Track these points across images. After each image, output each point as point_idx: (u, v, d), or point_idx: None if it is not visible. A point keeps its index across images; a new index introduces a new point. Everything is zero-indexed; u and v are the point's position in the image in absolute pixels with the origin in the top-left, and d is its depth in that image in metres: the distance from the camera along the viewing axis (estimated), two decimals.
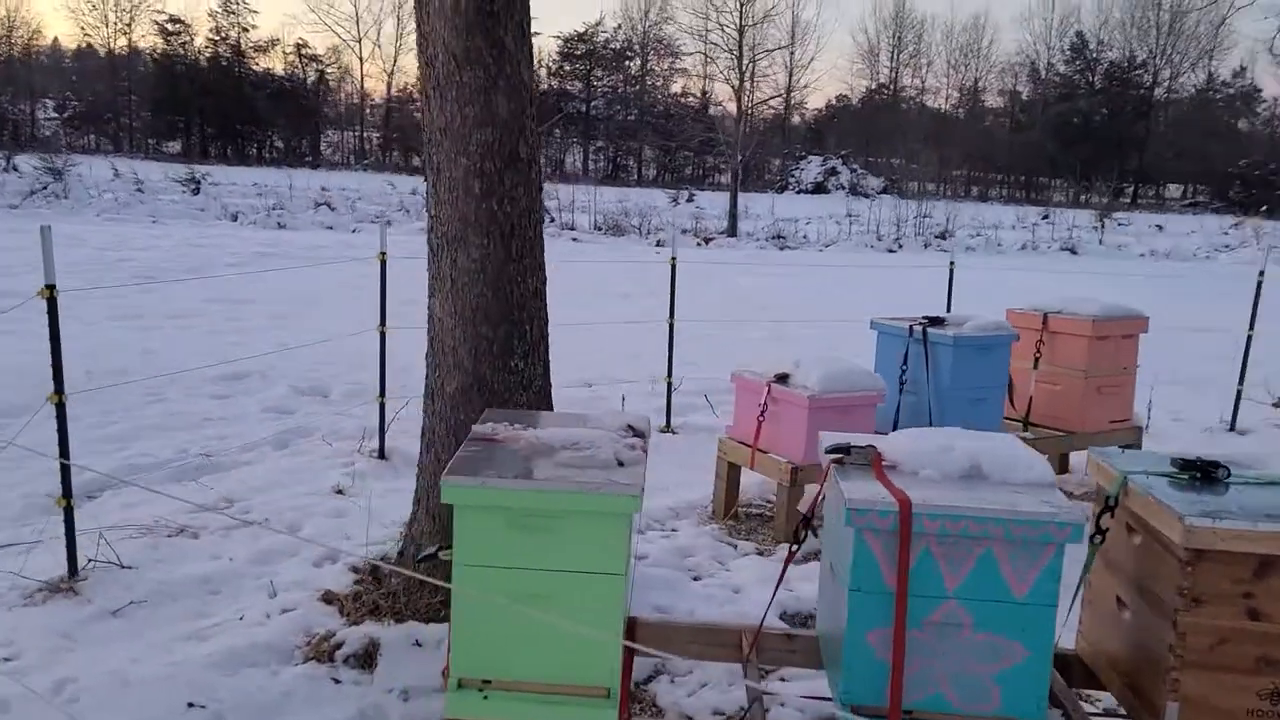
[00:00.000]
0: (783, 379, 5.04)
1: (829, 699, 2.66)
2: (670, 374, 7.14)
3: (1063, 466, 6.22)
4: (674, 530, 5.12)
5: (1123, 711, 2.60)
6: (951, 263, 7.82)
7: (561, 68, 62.31)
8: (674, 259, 7.10)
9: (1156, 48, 61.11)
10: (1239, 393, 7.46)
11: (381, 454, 5.89)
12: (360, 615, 3.64)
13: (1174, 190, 63.12)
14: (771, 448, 5.05)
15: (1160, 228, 35.09)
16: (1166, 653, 2.34)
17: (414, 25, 3.76)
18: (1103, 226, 32.63)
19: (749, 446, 5.13)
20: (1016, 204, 49.90)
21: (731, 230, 26.32)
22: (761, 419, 5.09)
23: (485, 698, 2.43)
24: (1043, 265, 20.22)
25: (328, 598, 3.83)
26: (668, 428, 6.92)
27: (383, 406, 5.94)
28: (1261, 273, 7.46)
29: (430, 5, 3.55)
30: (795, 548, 2.71)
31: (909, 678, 2.35)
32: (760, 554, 4.82)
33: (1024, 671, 2.37)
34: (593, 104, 62.93)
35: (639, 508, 2.35)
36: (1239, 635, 2.30)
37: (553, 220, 23.92)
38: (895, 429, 4.13)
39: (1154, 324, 6.21)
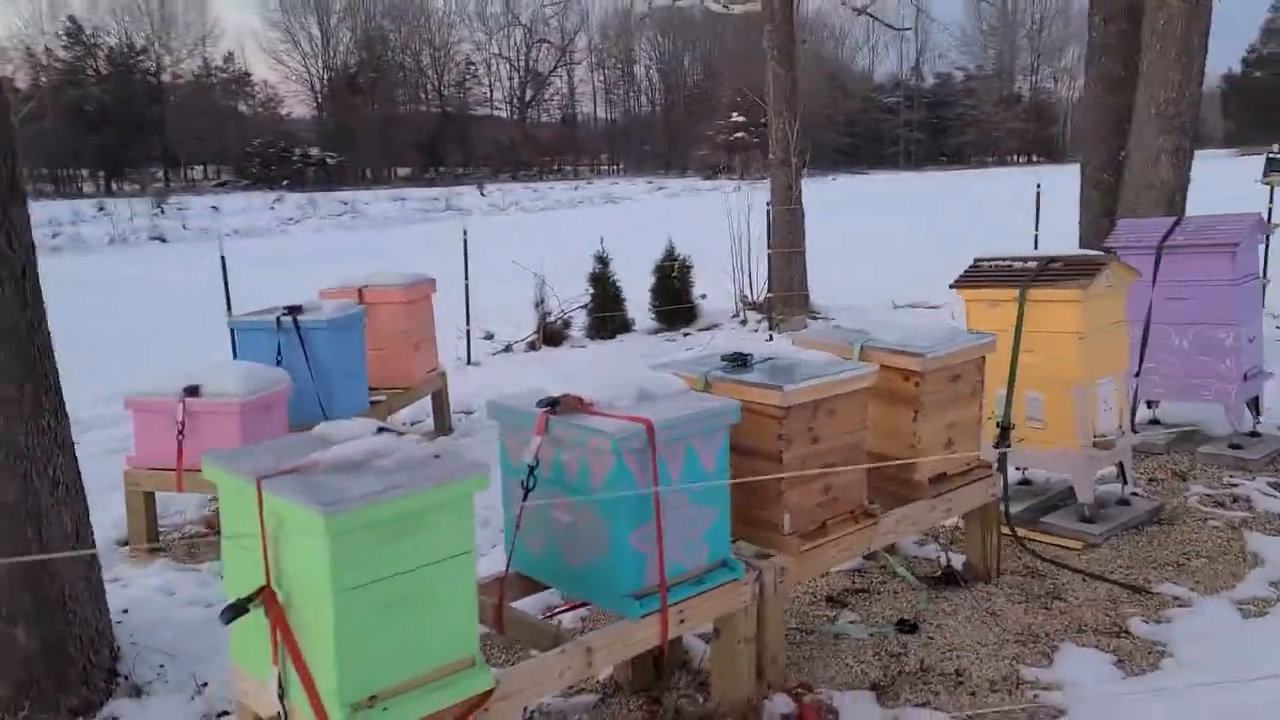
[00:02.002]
0: (194, 391, 4.90)
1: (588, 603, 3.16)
2: None
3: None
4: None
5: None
6: None
7: None
8: None
9: (153, 34, 61.83)
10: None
11: None
12: None
13: (198, 171, 65.30)
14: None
15: (216, 208, 36.47)
16: (776, 483, 3.40)
17: None
18: (162, 212, 32.85)
19: (172, 470, 4.89)
20: (60, 199, 46.48)
21: None
22: (182, 437, 4.88)
23: (384, 709, 2.44)
24: (157, 256, 19.96)
25: None
26: None
27: None
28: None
29: None
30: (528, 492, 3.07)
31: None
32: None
33: (718, 528, 3.21)
34: None
35: (486, 485, 2.58)
36: (810, 456, 3.47)
37: None
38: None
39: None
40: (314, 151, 61.47)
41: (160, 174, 59.12)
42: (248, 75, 68.04)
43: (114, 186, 55.00)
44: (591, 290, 10.16)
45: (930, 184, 43.39)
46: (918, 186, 41.35)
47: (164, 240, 25.62)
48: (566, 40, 75.10)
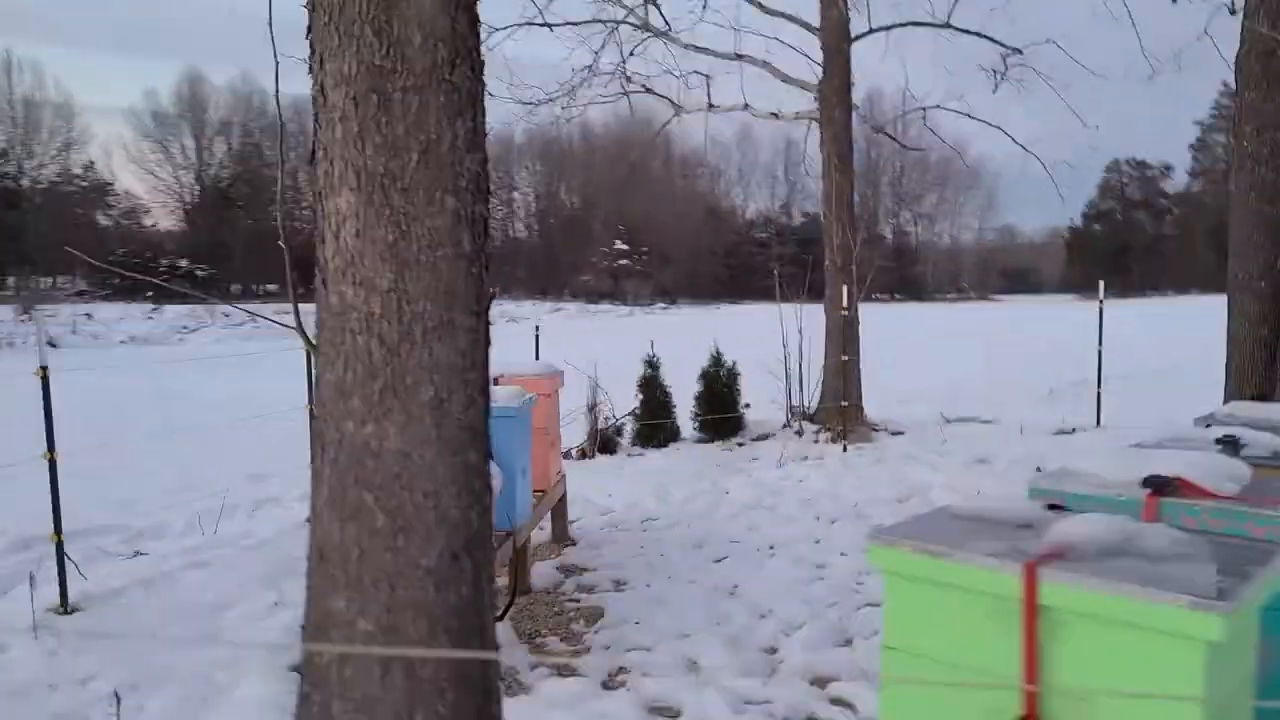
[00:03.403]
0: None
1: None
2: None
3: None
4: None
5: None
6: None
7: None
8: None
9: (15, 137, 58.92)
10: None
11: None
12: None
13: (51, 280, 61.55)
14: None
15: (90, 315, 34.20)
16: None
17: None
18: (30, 318, 30.51)
19: None
20: None
21: None
22: None
23: None
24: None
25: None
26: None
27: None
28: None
29: None
30: None
31: None
32: None
33: None
34: None
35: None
36: None
37: None
38: None
39: None
40: (183, 263, 58.96)
41: (15, 281, 55.46)
42: (109, 185, 65.38)
43: None
44: (641, 396, 9.51)
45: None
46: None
47: (55, 345, 23.52)
48: None
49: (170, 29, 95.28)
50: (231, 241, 61.28)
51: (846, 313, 9.60)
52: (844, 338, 9.64)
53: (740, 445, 9.52)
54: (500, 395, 5.27)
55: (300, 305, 2.92)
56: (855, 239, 10.10)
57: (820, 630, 4.51)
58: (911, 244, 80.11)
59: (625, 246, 60.40)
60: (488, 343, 2.50)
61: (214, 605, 5.10)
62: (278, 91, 3.24)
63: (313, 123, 2.38)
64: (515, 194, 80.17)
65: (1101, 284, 10.54)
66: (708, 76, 11.23)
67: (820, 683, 3.98)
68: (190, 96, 66.51)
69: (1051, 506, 2.11)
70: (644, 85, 11.96)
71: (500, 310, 46.74)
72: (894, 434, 9.77)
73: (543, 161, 78.23)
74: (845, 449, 9.00)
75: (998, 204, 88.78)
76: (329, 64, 2.31)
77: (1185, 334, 23.26)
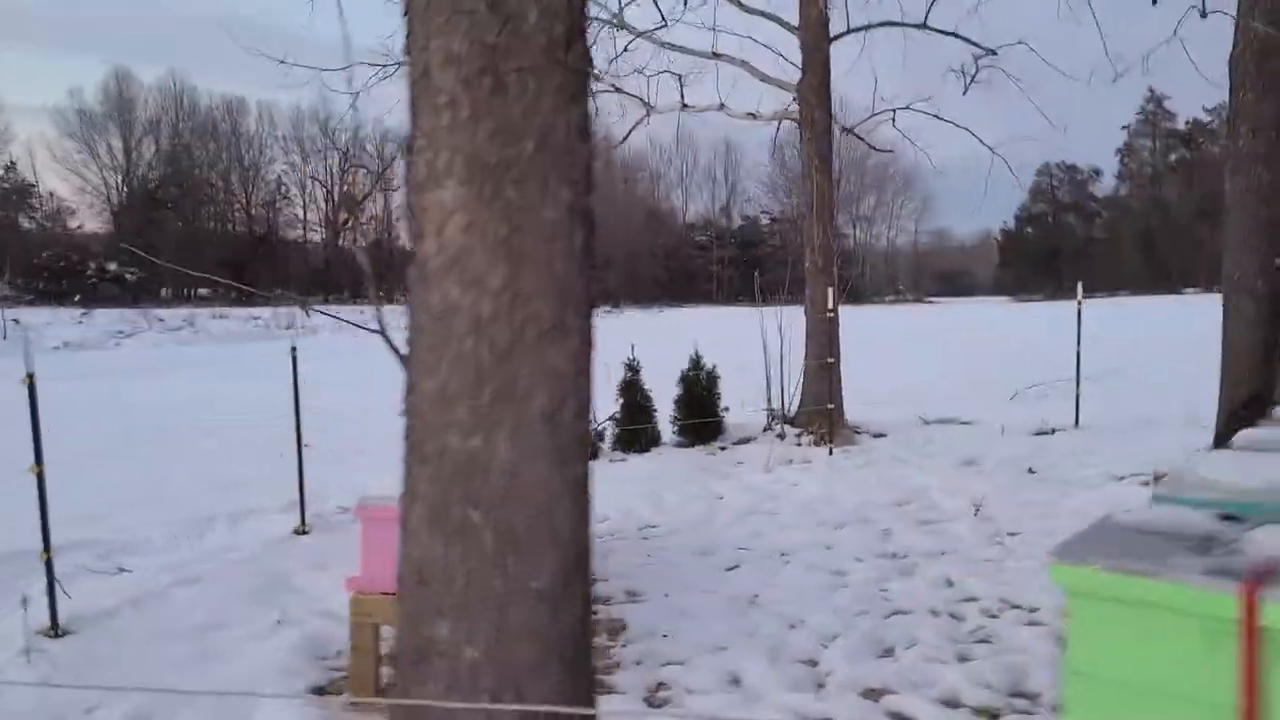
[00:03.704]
0: None
1: None
2: None
3: None
4: None
5: None
6: None
7: None
8: None
9: None
10: None
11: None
12: None
13: None
14: None
15: (17, 321, 33.01)
16: None
17: None
18: None
19: None
20: None
21: None
22: None
23: None
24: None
25: None
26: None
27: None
28: None
29: None
30: None
31: None
32: None
33: None
34: None
35: None
36: None
37: None
38: None
39: None
40: (111, 267, 57.23)
41: None
42: (31, 186, 63.32)
43: None
44: (622, 400, 9.34)
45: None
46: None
47: None
48: (383, 166, 74.15)
49: (96, 25, 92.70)
50: (161, 244, 59.64)
51: (831, 314, 9.52)
52: (826, 340, 9.57)
53: (723, 449, 9.40)
54: None
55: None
56: (832, 240, 10.04)
57: (857, 640, 4.39)
58: (850, 247, 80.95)
59: None
60: (593, 348, 2.32)
61: (210, 625, 4.82)
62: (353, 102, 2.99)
63: (409, 110, 2.19)
64: None
65: (1080, 284, 10.65)
66: (680, 76, 11.10)
67: (872, 695, 3.85)
68: (118, 95, 64.66)
69: (1225, 517, 2.00)
70: (613, 84, 11.80)
71: None
72: (876, 436, 9.74)
73: None
74: (831, 452, 8.93)
75: (933, 207, 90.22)
76: (435, 42, 2.12)
77: (1133, 335, 23.76)
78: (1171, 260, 69.82)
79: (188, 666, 4.29)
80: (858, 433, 9.82)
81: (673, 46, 10.45)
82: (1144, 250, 72.82)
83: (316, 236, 73.31)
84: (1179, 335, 20.37)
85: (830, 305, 9.48)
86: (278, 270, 66.57)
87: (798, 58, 9.99)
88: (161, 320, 34.25)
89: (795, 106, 10.03)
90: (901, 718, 3.67)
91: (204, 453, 9.79)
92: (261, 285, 63.67)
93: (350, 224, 72.32)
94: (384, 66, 9.84)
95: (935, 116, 11.67)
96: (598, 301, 2.34)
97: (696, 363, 9.73)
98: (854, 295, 73.82)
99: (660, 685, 4.05)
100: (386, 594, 3.84)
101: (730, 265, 75.56)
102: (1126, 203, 77.96)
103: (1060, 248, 78.05)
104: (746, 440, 9.63)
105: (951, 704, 3.76)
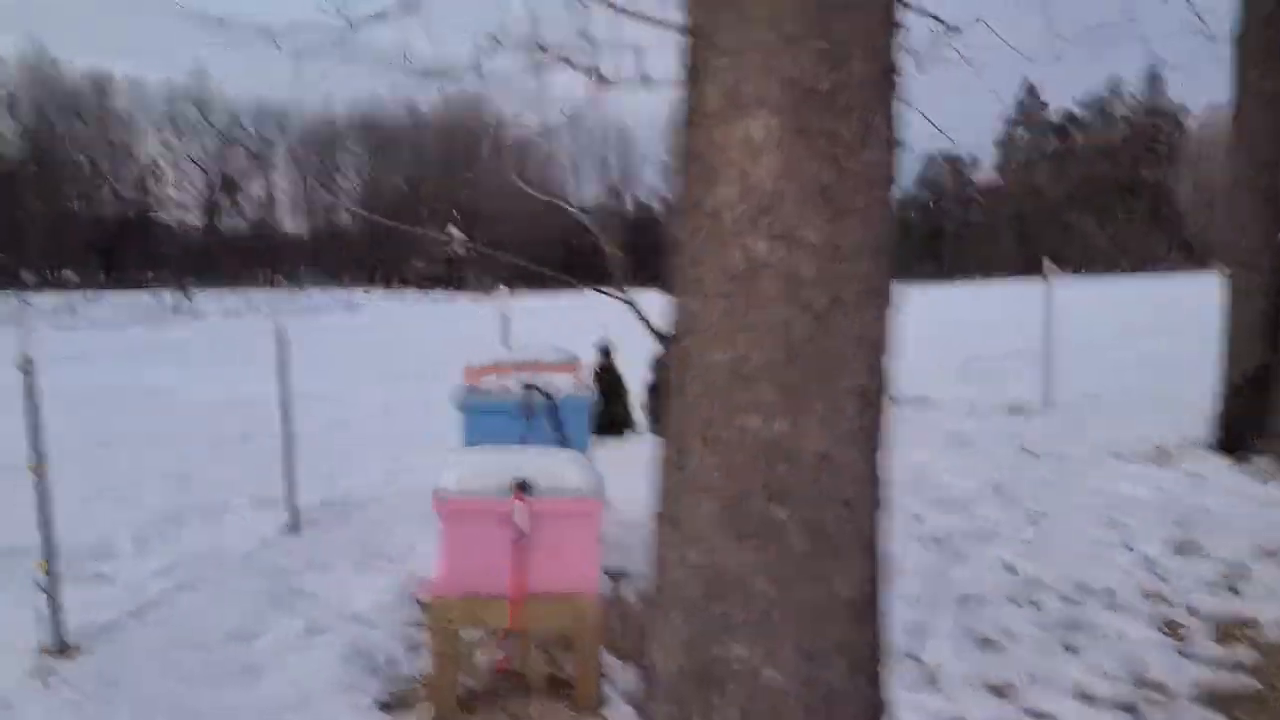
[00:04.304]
0: (525, 488, 3.56)
1: None
2: None
3: None
4: None
5: None
6: None
7: None
8: None
9: None
10: None
11: None
12: None
13: None
14: (544, 586, 3.53)
15: None
16: None
17: None
18: None
19: (504, 599, 3.49)
20: None
21: None
22: (523, 552, 3.52)
23: None
24: None
25: None
26: None
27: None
28: None
29: None
30: None
31: None
32: None
33: None
34: None
35: None
36: None
37: None
38: None
39: None
40: None
41: None
42: None
43: None
44: (598, 385, 8.97)
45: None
46: None
47: None
48: (263, 146, 71.37)
49: None
50: (26, 225, 56.19)
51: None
52: None
53: None
54: (561, 383, 4.73)
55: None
56: None
57: (951, 632, 4.18)
58: None
59: (458, 233, 58.98)
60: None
61: (232, 635, 4.33)
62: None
63: (695, 21, 1.82)
64: (338, 177, 77.00)
65: (1046, 260, 10.68)
66: (637, 49, 10.72)
67: (997, 692, 3.64)
68: None
69: None
70: (561, 56, 11.34)
71: (336, 298, 44.83)
72: None
73: (368, 144, 75.50)
74: None
75: None
76: None
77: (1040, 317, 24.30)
78: (1043, 245, 72.58)
79: (226, 683, 3.81)
80: None
81: (634, 14, 10.06)
82: (1019, 235, 75.47)
83: (192, 218, 70.20)
84: (1087, 317, 21.00)
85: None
86: (150, 253, 63.52)
87: None
88: (30, 305, 32.16)
89: None
90: (1041, 715, 3.46)
91: (147, 444, 9.03)
92: (132, 268, 60.77)
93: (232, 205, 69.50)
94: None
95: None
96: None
97: (606, 352, 9.45)
98: None
99: None
100: (472, 596, 3.47)
101: (627, 249, 75.36)
102: (1003, 190, 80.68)
103: (941, 232, 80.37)
104: None
105: (1086, 698, 3.57)
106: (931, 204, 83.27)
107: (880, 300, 1.85)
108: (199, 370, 15.40)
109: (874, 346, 1.86)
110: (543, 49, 12.07)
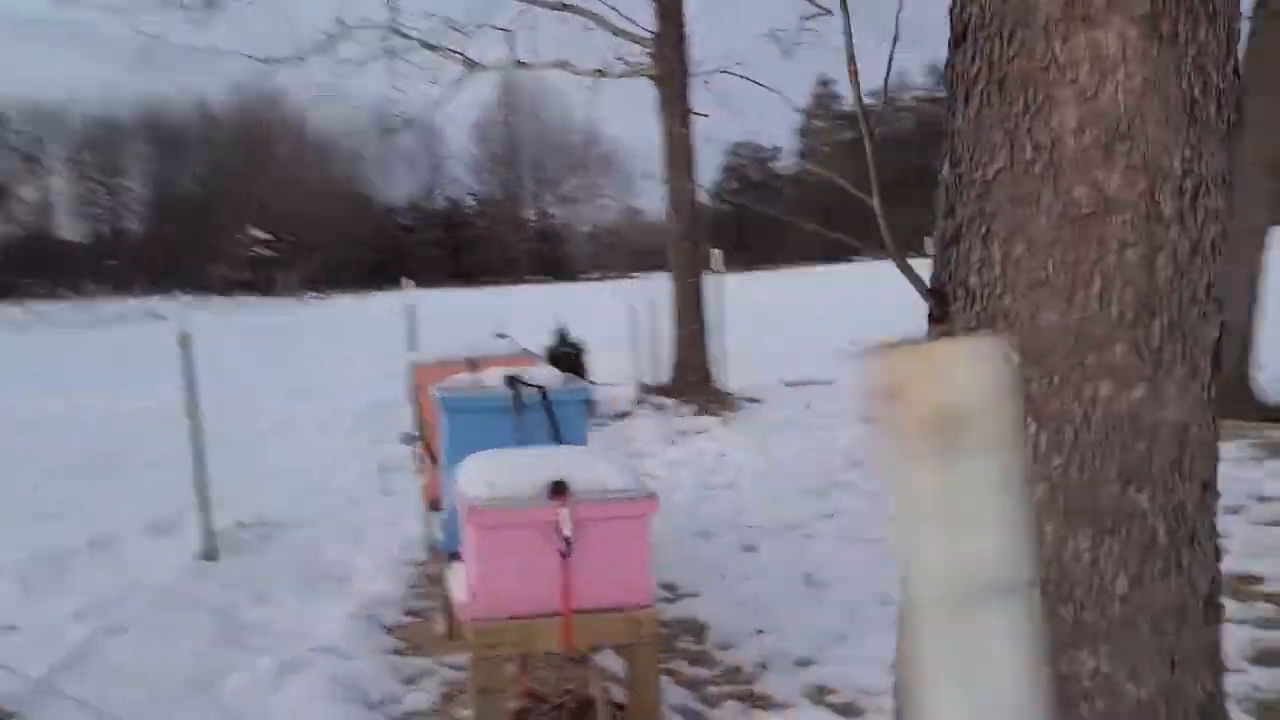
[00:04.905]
0: (561, 490, 3.18)
1: None
2: None
3: None
4: None
5: None
6: None
7: None
8: None
9: None
10: None
11: None
12: None
13: None
14: (594, 600, 3.18)
15: None
16: None
17: None
18: None
19: (557, 615, 3.11)
20: None
21: None
22: (568, 563, 3.15)
23: None
24: None
25: None
26: None
27: None
28: None
29: None
30: None
31: None
32: None
33: None
34: None
35: None
36: None
37: None
38: None
39: None
40: None
41: None
42: None
43: None
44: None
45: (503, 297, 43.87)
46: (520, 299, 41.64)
47: None
48: (34, 147, 65.59)
49: None
50: None
51: (693, 280, 9.14)
52: (692, 306, 9.19)
53: (602, 425, 8.79)
54: (544, 375, 4.33)
55: None
56: (694, 199, 9.63)
57: None
58: (555, 226, 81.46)
59: (263, 235, 56.25)
60: None
61: (191, 681, 3.73)
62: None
63: None
64: (122, 179, 71.73)
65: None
66: (508, 30, 10.28)
67: None
68: None
69: None
70: (422, 41, 10.75)
71: (137, 308, 41.62)
72: (752, 401, 9.47)
73: (154, 145, 70.69)
74: (725, 421, 8.57)
75: (635, 186, 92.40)
76: None
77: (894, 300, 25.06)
78: (845, 232, 75.71)
79: None
80: (735, 399, 9.52)
81: None
82: (821, 224, 78.53)
83: None
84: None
85: (712, 268, 9.10)
86: None
87: (645, 12, 9.48)
88: None
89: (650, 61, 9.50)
90: None
91: None
92: None
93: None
94: None
95: (750, 80, 11.55)
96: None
97: (563, 337, 9.07)
98: (567, 274, 74.53)
99: (822, 689, 3.51)
100: (519, 618, 3.04)
101: (438, 246, 73.76)
102: (805, 180, 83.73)
103: (748, 222, 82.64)
104: (622, 415, 9.07)
105: None
106: (739, 194, 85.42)
107: (1230, 244, 1.59)
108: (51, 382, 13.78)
109: (1231, 299, 1.59)
110: (401, 34, 11.29)
